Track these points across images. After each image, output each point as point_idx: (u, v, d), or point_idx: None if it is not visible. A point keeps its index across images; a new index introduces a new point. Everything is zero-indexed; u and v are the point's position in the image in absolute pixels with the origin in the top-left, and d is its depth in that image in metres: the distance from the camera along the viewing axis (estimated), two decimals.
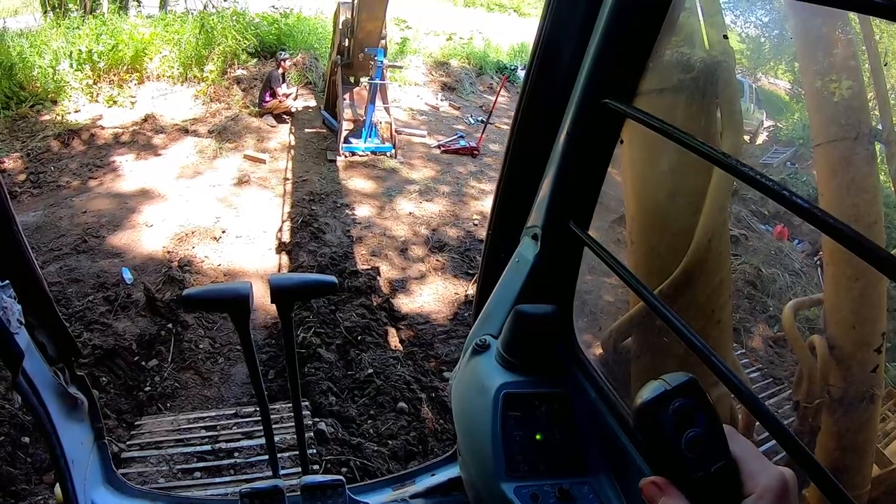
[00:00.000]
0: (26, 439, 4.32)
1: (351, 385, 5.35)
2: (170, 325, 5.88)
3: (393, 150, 10.88)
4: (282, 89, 11.67)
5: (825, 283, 2.32)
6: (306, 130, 11.73)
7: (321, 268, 7.18)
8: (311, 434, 4.40)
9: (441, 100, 15.27)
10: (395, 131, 11.10)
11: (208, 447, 4.18)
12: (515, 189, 1.54)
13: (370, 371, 5.40)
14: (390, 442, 4.72)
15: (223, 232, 7.93)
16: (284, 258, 7.66)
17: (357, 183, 9.94)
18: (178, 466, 4.01)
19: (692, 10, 1.78)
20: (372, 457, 4.47)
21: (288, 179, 9.85)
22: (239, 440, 4.28)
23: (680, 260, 1.80)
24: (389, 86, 12.16)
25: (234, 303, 1.44)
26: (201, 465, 4.05)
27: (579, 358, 1.40)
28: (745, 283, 7.47)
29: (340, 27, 11.02)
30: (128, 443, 4.28)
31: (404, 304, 6.94)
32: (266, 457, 4.01)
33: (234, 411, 4.70)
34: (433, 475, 1.94)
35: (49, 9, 13.84)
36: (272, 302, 1.49)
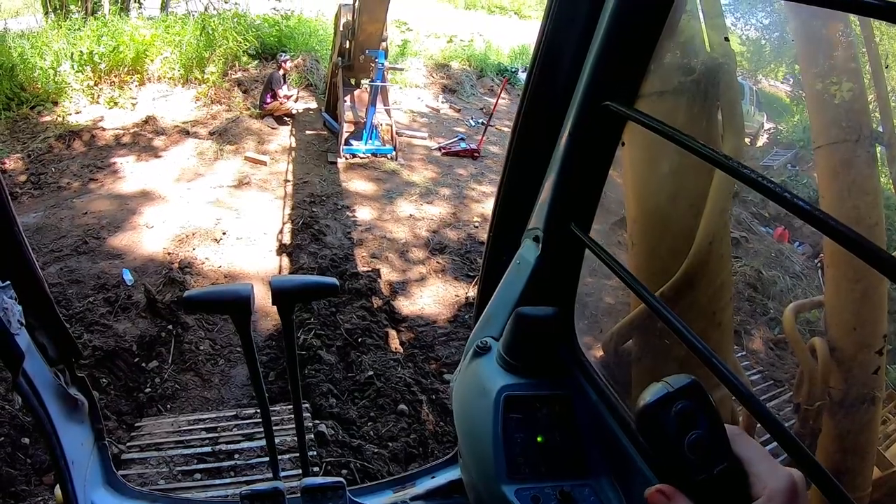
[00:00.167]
0: (26, 440, 4.32)
1: (351, 387, 5.35)
2: (170, 327, 5.88)
3: (394, 153, 10.88)
4: (282, 91, 11.69)
5: (826, 286, 2.32)
6: (307, 132, 11.74)
7: (322, 270, 7.18)
8: (312, 436, 4.40)
9: (442, 102, 15.29)
10: (396, 133, 11.11)
11: (208, 449, 4.18)
12: (517, 191, 1.54)
13: (371, 373, 5.40)
14: (391, 444, 4.72)
15: (224, 234, 7.94)
16: (285, 260, 7.66)
17: (358, 185, 9.94)
18: (179, 468, 4.01)
19: (693, 13, 1.78)
20: (372, 459, 4.47)
21: (288, 181, 9.85)
22: (239, 442, 4.27)
23: (681, 262, 1.80)
24: (390, 88, 12.18)
25: (235, 304, 1.44)
26: (201, 466, 4.04)
27: (580, 360, 1.40)
28: (745, 285, 7.47)
29: (341, 29, 11.05)
30: (128, 444, 4.28)
31: (405, 306, 6.94)
32: (266, 459, 4.01)
33: (234, 413, 4.70)
34: (433, 477, 1.94)
35: (50, 10, 13.87)
36: (273, 304, 1.49)
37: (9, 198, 1.27)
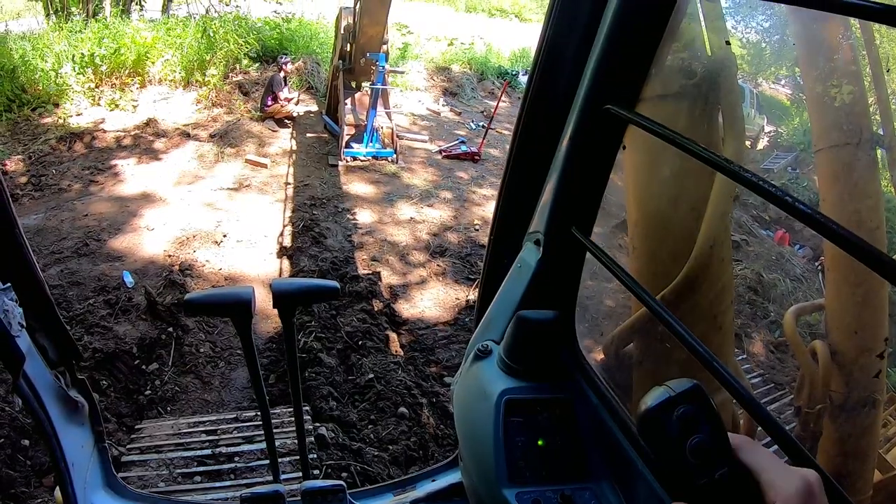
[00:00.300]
0: (26, 442, 4.32)
1: (352, 390, 5.34)
2: (170, 329, 5.88)
3: (394, 156, 10.89)
4: (283, 94, 11.69)
5: (827, 289, 2.32)
6: (308, 135, 11.75)
7: (322, 273, 7.17)
8: (312, 439, 4.39)
9: (442, 105, 15.30)
10: (397, 136, 11.11)
11: (209, 451, 4.18)
12: (518, 194, 1.54)
13: (371, 376, 5.39)
14: (391, 447, 4.71)
15: (224, 236, 7.94)
16: (286, 263, 7.66)
17: (358, 188, 9.95)
18: (179, 470, 4.00)
19: (694, 16, 1.79)
20: (372, 462, 4.47)
21: (289, 184, 9.86)
22: (239, 445, 4.27)
23: (682, 265, 1.80)
24: (391, 91, 12.18)
25: (236, 307, 1.44)
26: (201, 469, 4.04)
27: (581, 364, 1.40)
28: (746, 288, 7.46)
29: (342, 32, 11.06)
30: (128, 446, 4.27)
31: (405, 309, 6.94)
32: (267, 461, 4.01)
33: (234, 415, 4.70)
34: (434, 480, 1.94)
35: (52, 12, 13.90)
36: (274, 307, 1.50)
37: (9, 199, 1.28)
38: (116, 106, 11.57)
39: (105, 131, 10.62)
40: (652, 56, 1.20)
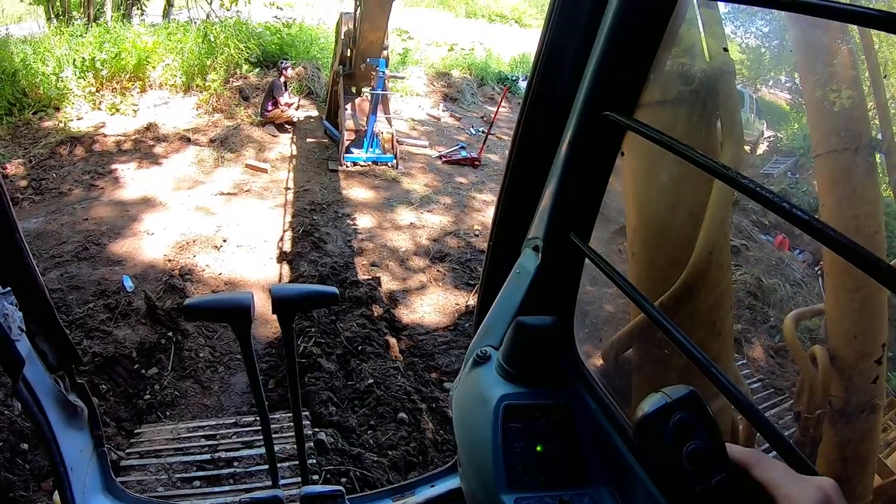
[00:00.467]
0: (25, 446, 4.31)
1: (351, 395, 5.33)
2: (170, 334, 5.88)
3: (394, 161, 10.90)
4: (284, 99, 11.71)
5: (826, 294, 2.32)
6: (308, 140, 11.77)
7: (322, 278, 7.17)
8: (311, 444, 4.38)
9: (442, 110, 15.33)
10: (397, 141, 11.13)
11: (208, 456, 4.17)
12: (517, 200, 1.54)
13: (370, 381, 5.39)
14: (390, 452, 4.70)
15: (224, 241, 7.94)
16: (285, 268, 7.66)
17: (358, 193, 9.96)
18: (178, 475, 4.00)
19: (692, 22, 1.79)
20: (372, 467, 4.46)
21: (289, 189, 9.87)
22: (239, 449, 4.26)
23: (681, 271, 1.80)
24: (391, 96, 12.21)
25: (236, 313, 1.44)
26: (200, 474, 4.03)
27: (580, 369, 1.40)
28: (746, 293, 7.46)
29: (343, 37, 11.10)
30: (127, 451, 4.27)
31: (405, 314, 6.94)
32: (266, 466, 4.00)
33: (233, 420, 4.69)
34: (433, 486, 1.94)
35: (53, 16, 13.94)
36: (273, 312, 1.50)
37: (10, 203, 1.28)
38: (117, 110, 11.60)
39: (105, 135, 10.65)
40: (650, 62, 1.21)
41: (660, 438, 0.72)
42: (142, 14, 15.59)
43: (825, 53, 2.13)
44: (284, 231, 8.49)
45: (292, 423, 1.81)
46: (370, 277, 7.41)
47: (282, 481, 3.25)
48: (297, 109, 12.29)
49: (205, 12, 15.25)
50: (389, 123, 11.17)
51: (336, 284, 6.91)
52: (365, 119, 10.82)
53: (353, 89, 11.69)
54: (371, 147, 10.76)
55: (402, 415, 5.09)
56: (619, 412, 1.27)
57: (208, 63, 12.91)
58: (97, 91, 11.86)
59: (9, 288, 1.29)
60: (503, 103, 13.37)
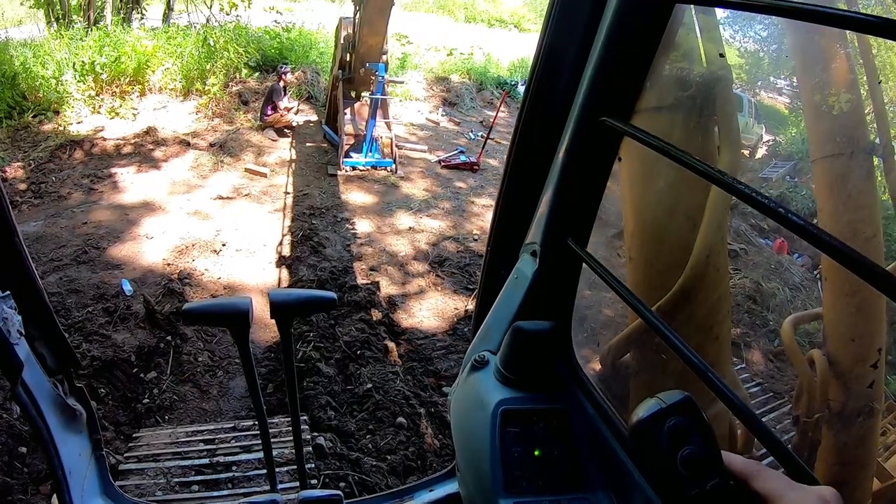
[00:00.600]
0: (24, 449, 4.30)
1: (350, 399, 5.33)
2: (169, 338, 5.87)
3: (393, 165, 10.92)
4: (283, 103, 11.72)
5: (824, 298, 2.33)
6: (307, 145, 11.78)
7: (321, 282, 7.17)
8: (310, 448, 4.38)
9: (441, 115, 15.35)
10: (396, 146, 11.14)
11: (206, 460, 4.16)
12: (515, 205, 1.55)
13: (369, 386, 5.39)
14: (389, 457, 4.70)
15: (223, 245, 7.94)
16: (284, 272, 7.66)
17: (357, 197, 9.96)
18: (176, 479, 3.99)
19: (690, 27, 1.80)
20: (370, 472, 4.45)
21: (288, 193, 9.87)
22: (237, 454, 4.26)
23: (678, 275, 1.80)
24: (390, 101, 12.23)
25: (234, 317, 1.45)
26: (199, 478, 4.02)
27: (578, 374, 1.40)
28: (744, 297, 7.48)
29: (342, 42, 11.11)
30: (125, 455, 4.26)
31: (404, 319, 6.93)
32: (264, 471, 4.00)
33: (232, 425, 4.68)
34: (431, 490, 1.93)
35: (53, 20, 13.96)
36: (272, 317, 1.50)
37: (9, 206, 1.28)
38: (116, 114, 11.61)
39: (105, 139, 10.66)
40: (648, 68, 1.21)
41: (654, 444, 0.72)
42: (142, 18, 15.63)
43: (823, 58, 2.14)
44: (283, 235, 8.50)
45: (291, 428, 1.81)
46: (369, 282, 7.41)
47: (280, 486, 3.25)
48: (296, 114, 12.30)
49: (204, 16, 15.28)
50: (389, 128, 11.18)
51: (335, 289, 6.91)
52: (364, 123, 10.83)
53: (353, 94, 11.71)
54: (370, 151, 10.77)
55: (401, 419, 5.09)
56: (616, 417, 1.27)
57: (208, 67, 12.92)
58: (97, 95, 11.87)
59: (8, 291, 1.29)
60: (502, 108, 13.38)
